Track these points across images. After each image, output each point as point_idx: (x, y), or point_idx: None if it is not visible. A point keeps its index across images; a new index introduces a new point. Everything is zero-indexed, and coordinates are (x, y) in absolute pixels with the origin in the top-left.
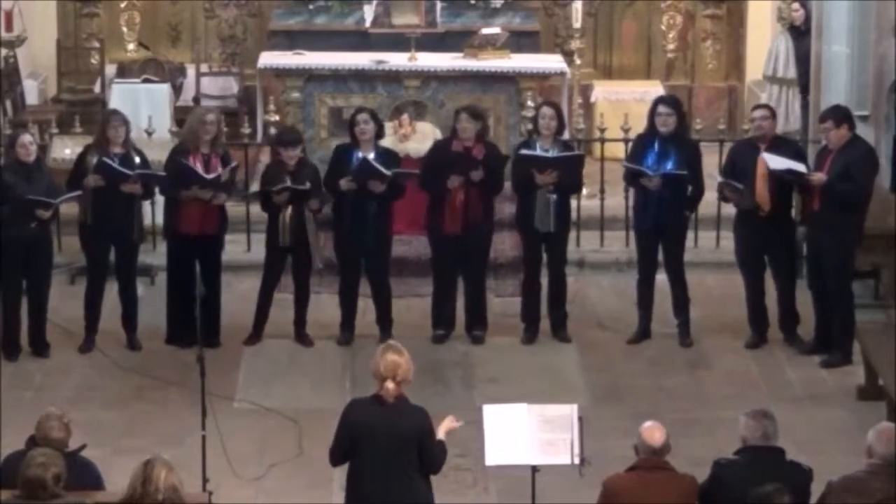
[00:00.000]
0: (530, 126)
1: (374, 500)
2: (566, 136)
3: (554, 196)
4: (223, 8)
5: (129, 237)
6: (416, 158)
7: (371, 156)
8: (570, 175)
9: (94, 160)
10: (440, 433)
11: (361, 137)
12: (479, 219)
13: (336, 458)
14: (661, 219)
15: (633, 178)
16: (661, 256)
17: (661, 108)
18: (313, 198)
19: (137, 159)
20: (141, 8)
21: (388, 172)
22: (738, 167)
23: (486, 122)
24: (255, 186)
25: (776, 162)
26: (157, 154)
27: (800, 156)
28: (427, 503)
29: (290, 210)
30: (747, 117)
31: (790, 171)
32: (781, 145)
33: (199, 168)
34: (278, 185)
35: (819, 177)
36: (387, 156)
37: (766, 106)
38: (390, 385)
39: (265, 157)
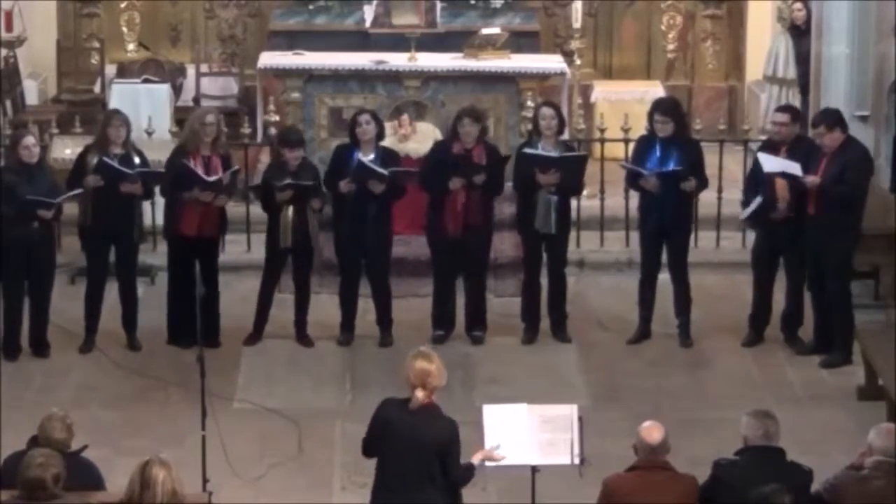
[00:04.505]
0: (530, 126)
1: (387, 499)
2: (566, 136)
3: (555, 197)
4: (223, 8)
5: (129, 237)
6: (415, 159)
7: (371, 157)
8: (572, 176)
9: (94, 160)
10: (475, 458)
11: (363, 138)
12: (479, 220)
13: (366, 450)
14: (666, 219)
15: (633, 180)
16: (664, 257)
17: (657, 117)
18: (316, 196)
19: (137, 160)
20: (141, 8)
21: (384, 172)
22: (758, 170)
23: (485, 123)
24: None
25: (771, 163)
26: (157, 154)
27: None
28: None
29: (290, 210)
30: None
31: (784, 173)
32: (801, 146)
33: (200, 170)
34: (282, 182)
35: (812, 179)
36: (387, 156)
37: (788, 108)
38: (420, 394)
39: (265, 158)
